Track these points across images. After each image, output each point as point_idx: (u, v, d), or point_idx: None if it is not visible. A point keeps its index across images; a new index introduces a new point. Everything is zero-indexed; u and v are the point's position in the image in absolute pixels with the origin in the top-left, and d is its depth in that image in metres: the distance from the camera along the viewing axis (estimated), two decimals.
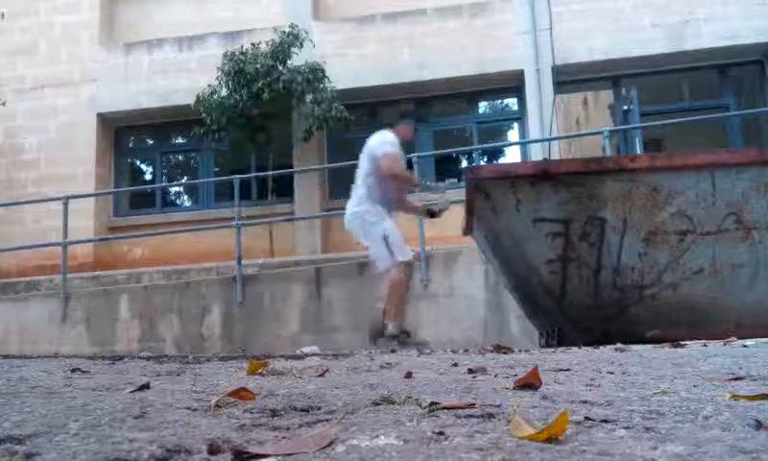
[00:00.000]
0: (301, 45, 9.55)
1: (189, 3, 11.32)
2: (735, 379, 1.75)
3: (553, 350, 3.69)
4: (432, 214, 5.07)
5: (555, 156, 9.19)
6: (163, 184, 11.38)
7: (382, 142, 4.80)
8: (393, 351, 3.32)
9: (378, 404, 1.27)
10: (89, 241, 9.78)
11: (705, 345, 3.44)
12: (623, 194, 2.45)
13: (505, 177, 2.58)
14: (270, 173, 9.56)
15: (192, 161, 11.99)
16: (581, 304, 2.47)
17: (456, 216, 4.56)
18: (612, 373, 2.03)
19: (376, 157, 4.75)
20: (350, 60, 10.25)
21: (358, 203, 4.82)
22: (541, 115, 9.71)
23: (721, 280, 2.42)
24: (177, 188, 12.01)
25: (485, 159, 11.01)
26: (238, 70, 9.18)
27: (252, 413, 1.18)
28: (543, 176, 2.50)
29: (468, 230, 3.52)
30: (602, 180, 2.48)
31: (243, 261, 7.26)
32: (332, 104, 9.31)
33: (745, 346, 3.13)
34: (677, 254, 2.46)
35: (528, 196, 2.49)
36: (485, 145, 10.63)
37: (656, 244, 2.46)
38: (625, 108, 10.03)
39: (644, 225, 2.47)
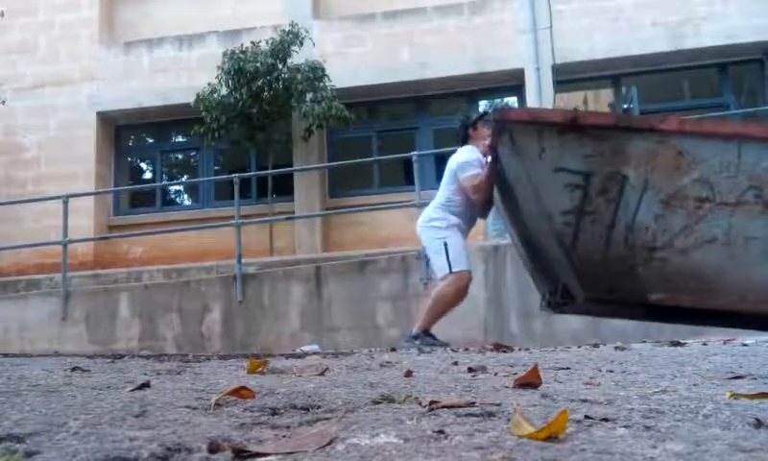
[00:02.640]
0: (301, 44, 9.54)
1: (189, 1, 11.31)
2: (735, 378, 1.76)
3: (553, 348, 3.70)
4: None
5: None
6: (163, 183, 11.37)
7: (462, 164, 4.56)
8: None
9: (378, 403, 1.27)
10: (89, 240, 9.77)
11: (705, 344, 3.45)
12: (648, 154, 2.45)
13: (533, 122, 2.57)
14: (270, 172, 9.56)
15: (192, 160, 11.99)
16: (590, 259, 2.47)
17: None
18: (611, 371, 2.03)
19: (457, 179, 4.56)
20: (350, 58, 10.25)
21: (432, 214, 4.66)
22: None
23: (733, 252, 2.42)
24: (177, 187, 12.01)
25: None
26: (238, 69, 9.17)
27: (252, 412, 1.18)
28: (571, 126, 2.49)
29: (489, 177, 3.50)
30: (629, 137, 2.48)
31: (243, 260, 7.26)
32: (332, 102, 9.30)
33: (745, 345, 3.14)
34: (693, 220, 2.46)
35: (553, 144, 2.49)
36: None
37: (673, 208, 2.46)
38: (625, 106, 10.02)
39: (665, 187, 2.47)
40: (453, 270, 4.46)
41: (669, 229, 2.42)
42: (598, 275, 2.44)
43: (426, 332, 4.51)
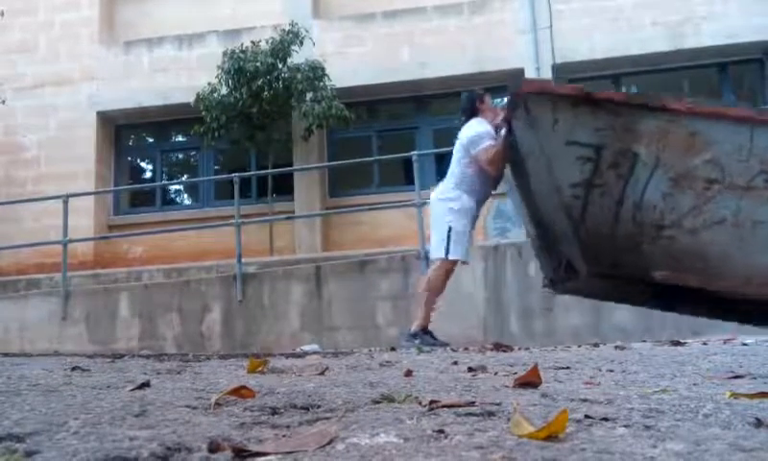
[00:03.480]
0: (301, 43, 9.54)
1: (189, 1, 11.31)
2: (735, 378, 1.76)
3: (552, 347, 3.70)
4: None
5: None
6: (163, 183, 11.37)
7: (474, 138, 4.49)
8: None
9: (378, 402, 1.27)
10: (89, 240, 9.77)
11: (705, 343, 3.45)
12: (661, 132, 2.46)
13: (548, 93, 2.58)
14: (270, 171, 9.56)
15: (192, 160, 11.99)
16: (597, 233, 2.48)
17: None
18: (611, 371, 2.03)
19: (469, 152, 4.50)
20: (350, 58, 10.24)
21: (447, 189, 4.61)
22: None
23: (740, 235, 2.42)
24: (177, 187, 12.00)
25: None
26: (238, 68, 9.17)
27: (252, 411, 1.18)
28: (586, 99, 2.50)
29: (503, 148, 3.50)
30: (643, 114, 2.48)
31: (243, 260, 7.26)
32: (332, 102, 9.30)
33: (745, 344, 3.14)
34: (701, 201, 2.47)
35: (567, 116, 2.50)
36: None
37: (682, 187, 2.47)
38: None
39: (675, 166, 2.47)
40: (449, 258, 4.49)
41: (678, 208, 2.42)
42: (604, 249, 2.45)
43: (425, 330, 4.51)
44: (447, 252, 4.47)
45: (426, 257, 5.56)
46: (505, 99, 10.99)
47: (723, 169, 2.39)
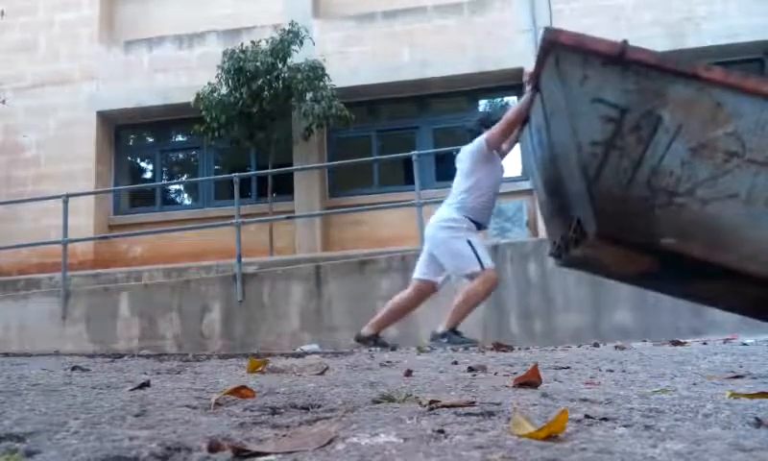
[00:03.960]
0: (301, 43, 9.54)
1: (189, 1, 11.31)
2: (735, 377, 1.76)
3: (552, 347, 3.70)
4: None
5: None
6: (163, 183, 11.37)
7: (480, 140, 4.55)
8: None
9: (378, 402, 1.27)
10: (89, 239, 9.77)
11: (704, 343, 3.45)
12: (687, 100, 2.46)
13: (580, 47, 2.57)
14: (270, 171, 9.55)
15: (192, 160, 11.99)
16: (610, 193, 2.48)
17: None
18: (611, 370, 2.03)
19: (474, 170, 4.53)
20: (350, 57, 10.25)
21: (451, 214, 4.58)
22: None
23: (750, 211, 2.42)
24: (177, 186, 12.00)
25: None
26: (238, 68, 9.17)
27: (252, 411, 1.18)
28: (617, 58, 2.50)
29: (525, 107, 3.50)
30: (672, 80, 2.48)
31: (243, 259, 7.26)
32: (332, 102, 9.30)
33: (745, 344, 3.14)
34: (718, 172, 2.47)
35: (596, 74, 2.50)
36: None
37: (701, 157, 2.47)
38: None
39: (697, 135, 2.47)
40: (485, 266, 4.44)
41: (693, 177, 2.42)
42: (615, 211, 2.45)
43: (454, 330, 4.51)
44: (480, 261, 4.44)
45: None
46: (505, 99, 11.01)
47: (744, 143, 2.39)
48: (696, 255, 2.39)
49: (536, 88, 2.99)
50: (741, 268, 2.38)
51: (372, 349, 4.16)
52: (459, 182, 4.65)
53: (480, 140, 4.54)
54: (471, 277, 4.50)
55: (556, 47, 2.58)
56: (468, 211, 4.56)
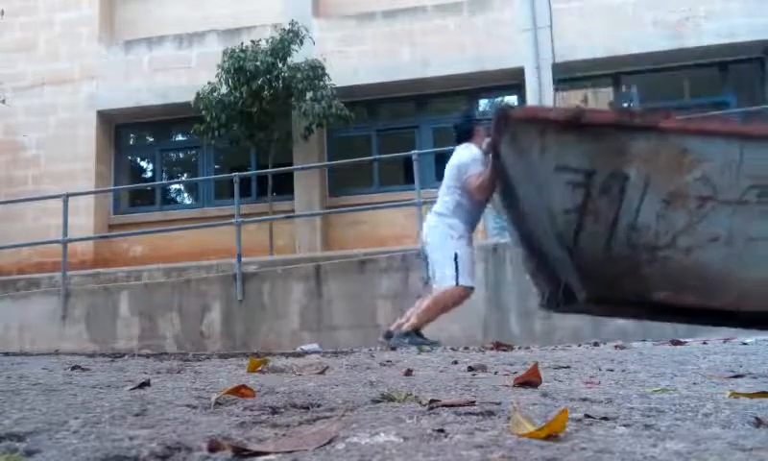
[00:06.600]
0: (301, 42, 9.54)
1: (189, 0, 11.31)
2: (735, 377, 1.76)
3: (552, 347, 3.70)
4: None
5: None
6: (163, 182, 11.37)
7: (466, 163, 4.56)
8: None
9: (378, 402, 1.27)
10: (89, 239, 9.78)
11: (705, 342, 3.45)
12: (651, 152, 2.44)
13: (533, 120, 2.54)
14: (270, 170, 9.55)
15: (192, 159, 11.99)
16: (592, 258, 2.45)
17: None
18: (611, 370, 2.03)
19: (462, 177, 4.54)
20: (350, 57, 10.24)
21: (445, 214, 4.62)
22: None
23: (734, 252, 2.41)
24: (177, 186, 12.00)
25: None
26: (238, 68, 9.17)
27: (252, 410, 1.18)
28: (572, 124, 2.47)
29: (492, 175, 3.49)
30: (632, 136, 2.46)
31: (243, 259, 7.26)
32: (332, 101, 9.30)
33: (745, 344, 3.14)
34: (694, 219, 2.45)
35: (554, 142, 2.47)
36: None
37: (675, 207, 2.45)
38: (625, 105, 10.02)
39: (667, 186, 2.45)
40: (460, 284, 4.48)
41: (672, 227, 2.41)
42: (601, 274, 2.43)
43: (417, 332, 4.53)
44: (457, 279, 4.47)
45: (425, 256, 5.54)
46: (505, 98, 11.01)
47: (714, 186, 2.38)
48: (691, 304, 2.39)
49: (496, 157, 2.97)
50: (738, 308, 2.38)
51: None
52: (448, 187, 4.68)
53: (463, 174, 4.52)
54: (446, 286, 4.54)
55: (509, 124, 2.56)
56: (460, 215, 4.58)
